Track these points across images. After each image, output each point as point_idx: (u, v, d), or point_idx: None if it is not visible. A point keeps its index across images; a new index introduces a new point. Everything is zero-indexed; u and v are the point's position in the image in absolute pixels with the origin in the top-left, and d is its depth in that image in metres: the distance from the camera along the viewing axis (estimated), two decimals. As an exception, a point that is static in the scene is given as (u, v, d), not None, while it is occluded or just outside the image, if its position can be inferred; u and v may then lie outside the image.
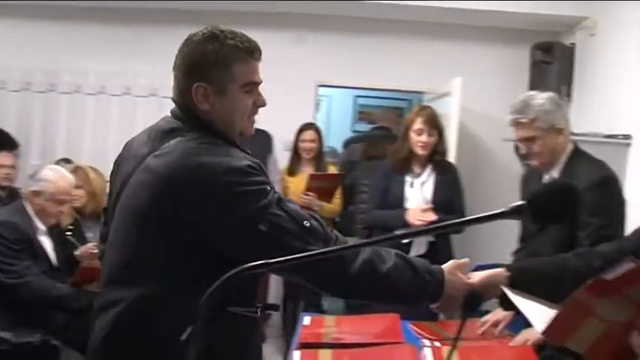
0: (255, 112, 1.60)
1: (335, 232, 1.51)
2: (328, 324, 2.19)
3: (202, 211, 1.41)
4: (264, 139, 4.34)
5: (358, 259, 1.44)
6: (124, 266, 1.49)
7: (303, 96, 5.16)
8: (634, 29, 3.81)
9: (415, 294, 1.55)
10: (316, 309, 4.44)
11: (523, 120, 2.44)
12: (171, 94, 1.57)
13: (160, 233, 1.43)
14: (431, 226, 0.99)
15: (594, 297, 1.11)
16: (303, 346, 1.96)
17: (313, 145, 4.40)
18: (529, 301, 1.50)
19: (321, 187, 4.28)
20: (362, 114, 7.58)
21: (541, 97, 2.46)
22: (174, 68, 1.55)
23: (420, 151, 3.34)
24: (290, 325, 4.51)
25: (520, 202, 1.04)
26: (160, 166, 1.45)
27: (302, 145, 4.41)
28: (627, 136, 3.58)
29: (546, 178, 2.53)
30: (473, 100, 4.81)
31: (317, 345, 1.96)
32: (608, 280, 1.07)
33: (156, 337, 1.41)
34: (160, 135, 1.53)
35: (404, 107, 7.24)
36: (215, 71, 1.49)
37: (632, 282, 1.04)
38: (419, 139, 3.32)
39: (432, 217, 3.19)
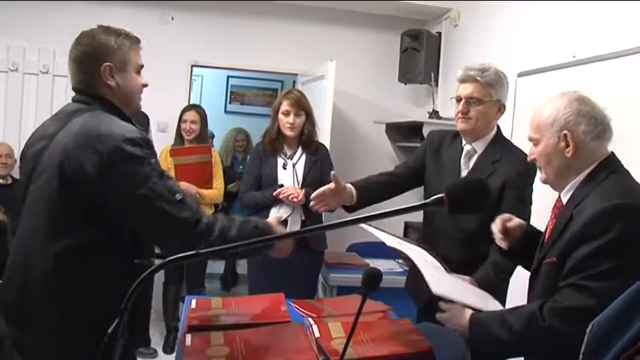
0: (142, 91, 1.93)
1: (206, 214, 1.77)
2: (215, 306, 2.17)
3: (98, 176, 1.61)
4: (141, 120, 4.21)
5: (216, 228, 1.72)
6: (44, 227, 1.69)
7: (176, 76, 5.01)
8: (492, 23, 4.10)
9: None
10: (199, 290, 4.41)
11: (479, 78, 2.42)
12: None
13: (64, 198, 1.65)
14: (353, 218, 1.04)
15: None
16: (192, 329, 1.93)
17: (194, 126, 4.34)
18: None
19: (190, 163, 4.24)
20: (234, 94, 7.49)
21: (500, 71, 2.49)
22: (74, 59, 1.82)
23: (288, 132, 3.44)
24: (171, 309, 4.43)
25: (439, 195, 1.13)
26: (65, 139, 1.68)
27: (183, 125, 4.36)
28: (487, 121, 3.84)
29: (467, 149, 2.53)
30: (346, 83, 4.95)
31: (207, 328, 1.94)
32: None
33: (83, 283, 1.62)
34: (65, 116, 1.79)
35: (277, 89, 7.27)
36: (116, 54, 1.82)
37: None
38: (286, 121, 3.40)
39: (301, 193, 3.33)
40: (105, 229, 1.68)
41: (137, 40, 1.89)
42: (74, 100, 1.84)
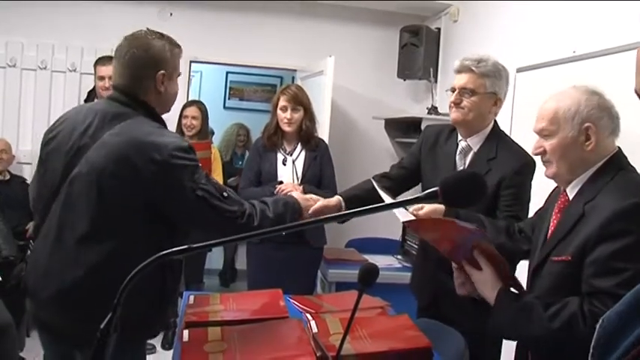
0: None
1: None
2: (213, 302, 2.17)
3: (155, 180, 1.81)
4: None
5: (257, 213, 1.98)
6: (90, 226, 1.81)
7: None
8: (491, 18, 4.10)
9: (290, 215, 2.13)
10: (198, 286, 4.42)
11: (474, 69, 2.34)
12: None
13: (121, 200, 1.81)
14: (346, 212, 1.08)
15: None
16: (190, 325, 1.93)
17: (195, 122, 4.35)
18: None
19: None
20: (233, 90, 7.47)
21: (500, 65, 2.42)
22: (126, 63, 1.92)
23: (285, 128, 3.43)
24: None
25: (433, 189, 1.10)
26: (121, 143, 1.83)
27: (184, 121, 4.36)
28: (487, 117, 3.84)
29: (462, 145, 2.47)
30: (345, 79, 4.94)
31: (204, 324, 1.93)
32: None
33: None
34: (109, 117, 1.90)
35: (276, 84, 7.25)
36: (169, 62, 1.96)
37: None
38: (284, 116, 3.40)
39: (299, 189, 3.31)
40: (154, 227, 1.86)
41: (181, 48, 2.03)
42: (116, 99, 1.95)
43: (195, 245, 1.00)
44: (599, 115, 1.67)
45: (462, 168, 2.46)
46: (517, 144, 2.45)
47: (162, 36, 1.97)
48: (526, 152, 2.38)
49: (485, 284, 1.75)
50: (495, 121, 2.47)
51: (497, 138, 2.44)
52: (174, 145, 1.84)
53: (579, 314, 1.55)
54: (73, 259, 1.82)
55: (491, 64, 2.38)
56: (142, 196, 1.82)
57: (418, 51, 4.76)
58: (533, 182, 2.39)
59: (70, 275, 1.82)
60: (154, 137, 1.84)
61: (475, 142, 2.43)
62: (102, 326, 0.87)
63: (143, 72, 1.92)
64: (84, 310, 1.74)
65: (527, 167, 2.33)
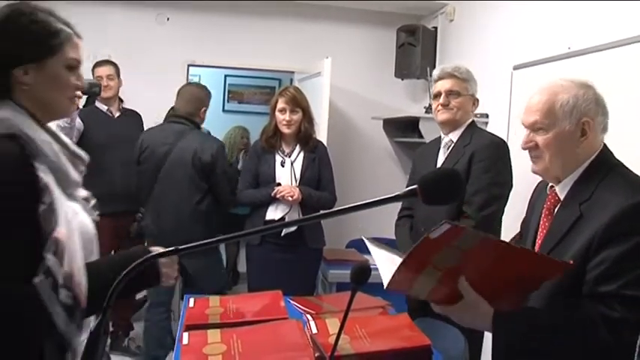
0: None
1: None
2: (213, 304, 2.18)
3: (213, 169, 3.54)
4: (134, 120, 4.24)
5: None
6: (185, 188, 3.57)
7: (173, 76, 4.99)
8: (487, 16, 4.10)
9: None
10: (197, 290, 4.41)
11: (458, 74, 2.72)
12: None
13: (198, 185, 3.55)
14: (326, 212, 1.10)
15: (427, 253, 1.34)
16: (190, 327, 1.93)
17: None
18: (384, 253, 1.66)
19: None
20: (232, 93, 7.48)
21: (471, 72, 2.79)
22: (187, 98, 3.67)
23: (284, 130, 3.43)
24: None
25: (412, 187, 1.11)
26: (192, 146, 3.51)
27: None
28: (484, 115, 3.84)
29: (445, 140, 2.81)
30: (343, 80, 4.94)
31: (204, 326, 1.94)
32: (434, 239, 1.28)
33: None
34: (177, 132, 3.58)
35: (274, 87, 7.26)
36: (209, 100, 3.78)
37: (453, 238, 1.29)
38: (282, 118, 3.40)
39: (296, 191, 3.33)
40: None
41: None
42: (178, 122, 3.61)
43: (182, 247, 1.00)
44: (597, 110, 1.61)
45: (444, 158, 2.78)
46: (490, 132, 2.86)
47: (201, 84, 3.83)
48: (497, 136, 2.82)
49: (469, 312, 1.50)
50: (473, 119, 2.84)
51: (473, 129, 2.80)
52: (221, 145, 3.67)
53: (596, 319, 1.43)
54: (177, 206, 3.49)
55: (466, 70, 2.76)
56: (206, 174, 3.52)
57: (415, 50, 4.76)
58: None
59: (176, 217, 3.48)
60: (212, 141, 3.63)
61: (455, 135, 2.79)
62: (91, 329, 0.88)
63: (197, 104, 3.64)
64: (191, 233, 3.26)
65: (497, 142, 2.69)
